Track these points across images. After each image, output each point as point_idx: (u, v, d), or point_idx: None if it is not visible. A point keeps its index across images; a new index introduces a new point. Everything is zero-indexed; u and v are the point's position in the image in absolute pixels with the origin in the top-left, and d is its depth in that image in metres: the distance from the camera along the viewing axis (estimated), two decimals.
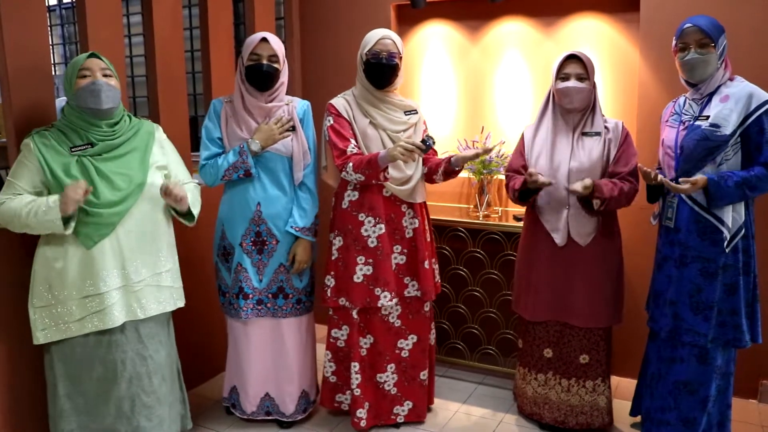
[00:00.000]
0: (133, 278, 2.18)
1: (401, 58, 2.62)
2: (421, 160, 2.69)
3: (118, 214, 2.13)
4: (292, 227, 2.61)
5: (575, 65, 2.50)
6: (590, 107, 2.56)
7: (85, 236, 2.10)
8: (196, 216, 2.36)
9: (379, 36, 2.57)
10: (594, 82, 2.55)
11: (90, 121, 2.15)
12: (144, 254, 2.21)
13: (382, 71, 2.57)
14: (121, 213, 2.14)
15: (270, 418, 2.81)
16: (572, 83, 2.49)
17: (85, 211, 2.08)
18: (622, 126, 2.57)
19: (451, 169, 2.63)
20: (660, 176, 2.31)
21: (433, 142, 2.43)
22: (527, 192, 2.55)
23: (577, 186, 2.41)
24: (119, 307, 2.16)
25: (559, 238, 2.56)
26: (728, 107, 2.26)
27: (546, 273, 2.62)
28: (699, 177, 2.23)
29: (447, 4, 3.53)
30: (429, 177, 2.72)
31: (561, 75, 2.52)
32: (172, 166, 2.36)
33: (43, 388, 2.28)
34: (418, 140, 2.65)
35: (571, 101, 2.51)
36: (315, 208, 2.70)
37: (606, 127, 2.55)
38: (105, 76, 2.16)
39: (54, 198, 2.03)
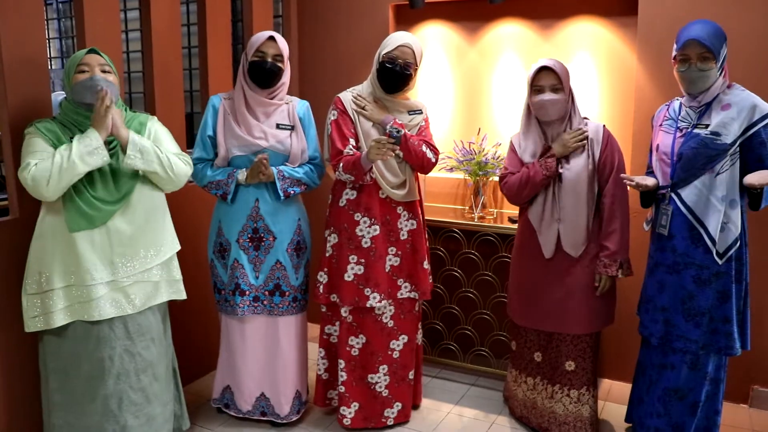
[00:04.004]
0: (122, 273, 2.18)
1: (417, 68, 2.60)
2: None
3: (110, 211, 2.14)
4: (278, 168, 2.58)
5: (549, 76, 2.47)
6: (568, 115, 2.53)
7: (72, 221, 2.10)
8: (129, 155, 2.15)
9: (401, 42, 2.55)
10: (570, 89, 2.52)
11: (86, 115, 2.15)
12: (135, 249, 2.20)
13: (395, 78, 2.56)
14: (113, 211, 2.15)
15: (265, 418, 2.81)
16: (547, 96, 2.46)
17: (81, 197, 2.09)
18: (603, 129, 2.54)
19: (388, 135, 2.45)
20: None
21: (397, 131, 2.39)
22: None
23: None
24: (106, 300, 2.15)
25: (547, 252, 2.56)
26: (730, 116, 2.24)
27: (537, 280, 2.62)
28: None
29: (445, 4, 3.53)
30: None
31: (535, 87, 2.50)
32: (163, 146, 2.31)
33: (39, 378, 2.29)
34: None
35: (547, 114, 2.49)
36: (307, 177, 2.66)
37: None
38: (103, 72, 2.16)
39: (79, 135, 2.07)
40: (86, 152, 2.03)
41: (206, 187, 2.64)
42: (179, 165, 2.28)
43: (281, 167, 2.61)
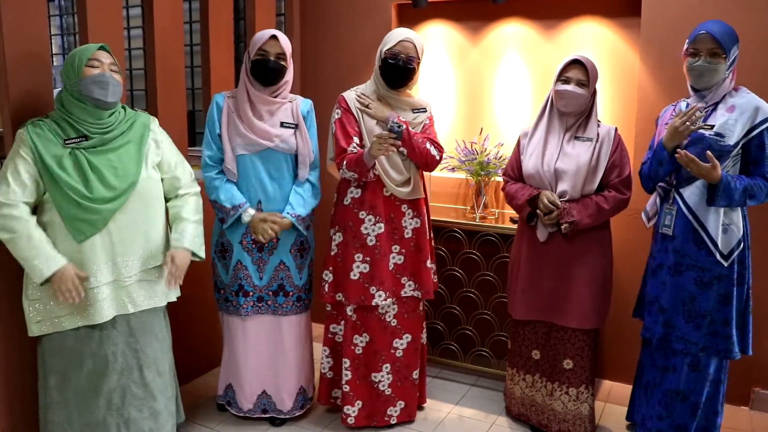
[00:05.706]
0: (124, 273, 2.17)
1: (419, 63, 2.61)
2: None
3: (111, 210, 2.11)
4: (289, 213, 2.58)
5: (578, 71, 2.51)
6: (586, 113, 2.57)
7: (76, 231, 2.08)
8: (202, 256, 2.35)
9: (402, 37, 2.56)
10: (594, 90, 2.55)
11: (88, 110, 2.13)
12: (135, 248, 2.19)
13: (398, 73, 2.56)
14: (114, 209, 2.12)
15: (266, 416, 2.80)
16: (571, 87, 2.49)
17: (78, 205, 2.06)
18: (615, 132, 2.57)
19: (390, 131, 2.46)
20: (685, 153, 2.21)
21: (398, 126, 2.39)
22: (532, 209, 2.57)
23: (546, 219, 2.50)
24: (109, 301, 2.15)
25: (541, 235, 2.58)
26: (734, 117, 2.25)
27: (531, 271, 2.64)
28: (718, 165, 2.18)
29: (448, 4, 3.53)
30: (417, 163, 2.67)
31: (562, 77, 2.53)
32: (170, 162, 2.31)
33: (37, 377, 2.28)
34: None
35: (566, 105, 2.52)
36: (314, 200, 2.67)
37: (598, 134, 2.55)
38: (112, 71, 2.16)
39: (53, 265, 2.02)
40: (33, 262, 2.03)
41: (211, 203, 2.62)
42: (200, 204, 2.41)
43: (295, 209, 2.58)
